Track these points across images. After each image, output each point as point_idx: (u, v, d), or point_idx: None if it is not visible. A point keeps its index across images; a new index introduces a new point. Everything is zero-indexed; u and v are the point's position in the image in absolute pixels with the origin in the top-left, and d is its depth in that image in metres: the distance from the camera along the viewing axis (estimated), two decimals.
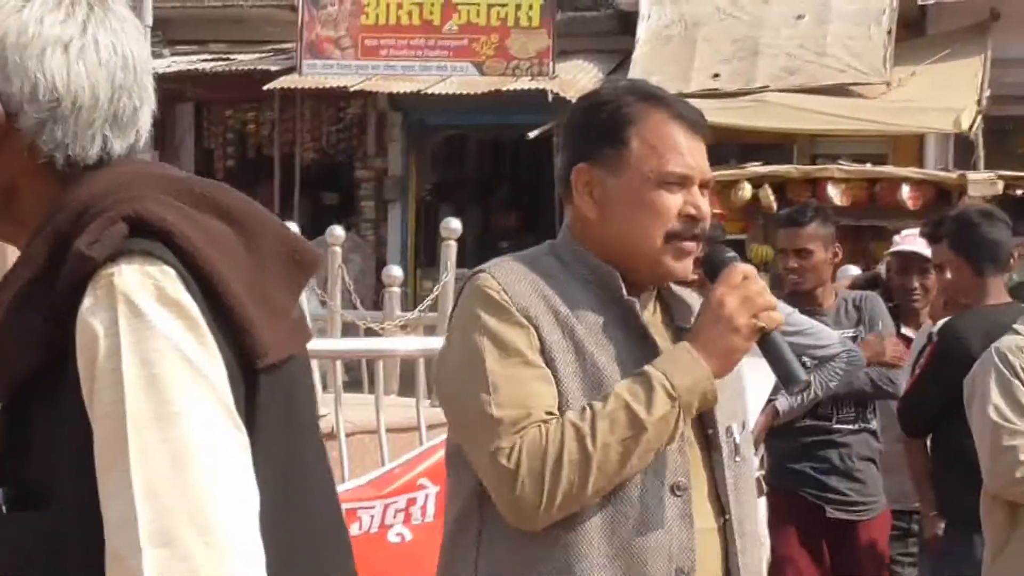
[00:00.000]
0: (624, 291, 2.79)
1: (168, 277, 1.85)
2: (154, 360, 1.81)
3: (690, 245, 2.80)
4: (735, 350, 2.70)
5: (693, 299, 2.94)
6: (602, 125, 2.86)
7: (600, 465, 2.64)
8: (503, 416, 2.68)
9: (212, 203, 1.95)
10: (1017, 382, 4.59)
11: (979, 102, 16.08)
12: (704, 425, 2.81)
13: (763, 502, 5.88)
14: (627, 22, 18.34)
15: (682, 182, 2.80)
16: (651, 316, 2.86)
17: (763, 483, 5.91)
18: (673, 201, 2.80)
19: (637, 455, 2.65)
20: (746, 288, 2.71)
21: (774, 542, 6.06)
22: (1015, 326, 4.78)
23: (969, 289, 5.76)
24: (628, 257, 2.81)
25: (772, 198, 12.40)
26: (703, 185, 2.84)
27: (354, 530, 5.41)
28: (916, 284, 6.97)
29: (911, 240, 7.05)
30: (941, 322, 5.95)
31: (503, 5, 18.13)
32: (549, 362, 2.72)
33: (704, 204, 2.81)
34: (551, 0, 18.10)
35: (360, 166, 20.02)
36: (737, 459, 2.83)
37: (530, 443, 2.66)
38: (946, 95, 16.10)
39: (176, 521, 1.78)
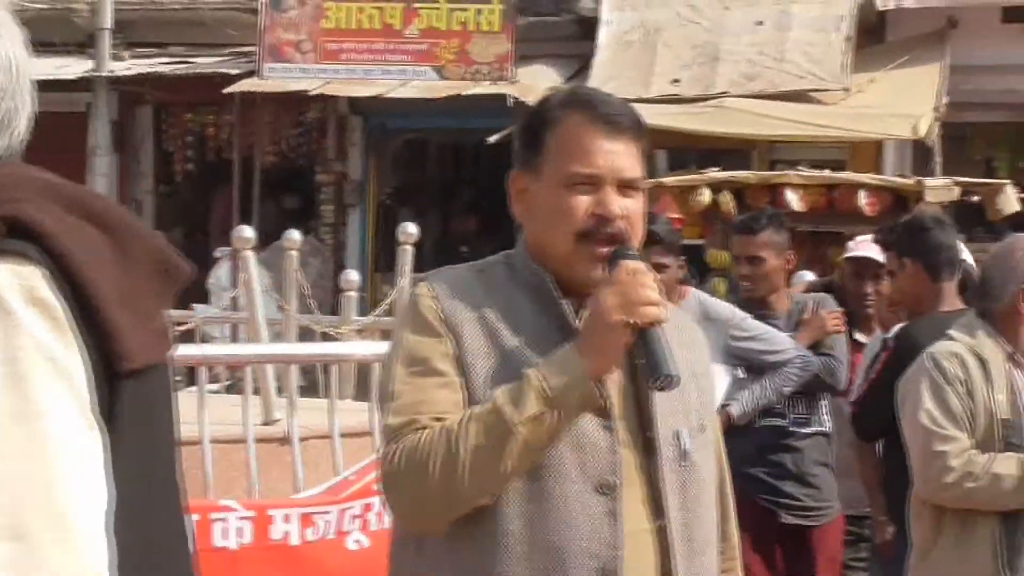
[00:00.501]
0: (556, 294, 2.80)
1: (38, 278, 1.88)
2: (19, 358, 1.83)
3: (603, 246, 2.79)
4: (609, 347, 2.68)
5: None
6: (529, 131, 2.90)
7: (471, 467, 2.65)
8: (393, 423, 2.76)
9: (86, 209, 1.99)
10: (949, 388, 4.62)
11: (937, 109, 16.16)
12: (645, 428, 2.81)
13: None
14: (588, 27, 18.36)
15: (591, 182, 2.80)
16: None
17: None
18: (582, 202, 2.80)
19: (512, 455, 2.65)
20: (624, 285, 2.69)
21: None
22: (950, 332, 4.81)
23: (925, 295, 5.80)
24: (552, 260, 2.83)
25: (732, 203, 12.42)
26: (624, 185, 2.82)
27: (310, 535, 5.39)
28: (870, 290, 7.00)
29: (865, 246, 7.08)
30: (896, 328, 5.98)
31: (464, 10, 18.12)
32: (467, 369, 2.75)
33: (614, 204, 2.80)
34: (512, 5, 18.10)
35: (320, 170, 19.98)
36: (685, 464, 2.82)
37: (408, 448, 2.71)
38: (904, 102, 16.17)
39: (30, 517, 1.79)
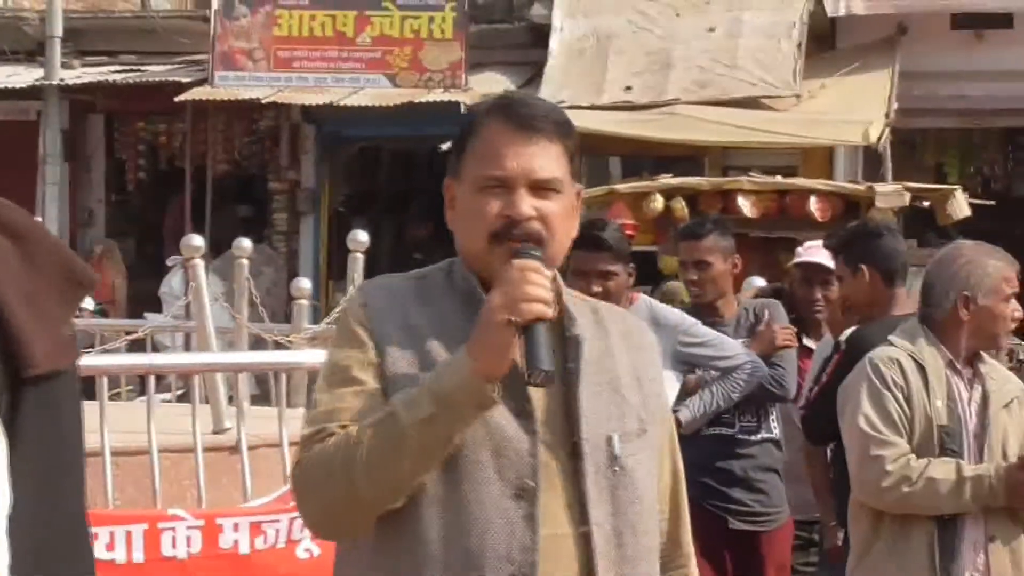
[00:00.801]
0: (483, 296, 2.78)
1: None
2: None
3: (515, 247, 2.77)
4: (492, 347, 2.64)
5: (583, 307, 2.94)
6: (458, 139, 2.92)
7: (368, 471, 2.66)
8: (305, 432, 2.77)
9: None
10: (888, 394, 4.65)
11: (887, 115, 16.26)
12: (572, 431, 2.79)
13: None
14: (540, 35, 18.39)
15: (501, 184, 2.80)
16: None
17: None
18: (492, 204, 2.79)
19: (409, 458, 2.65)
20: (510, 283, 2.67)
21: None
22: (890, 337, 4.84)
23: (879, 300, 5.86)
24: (474, 263, 2.85)
25: (685, 210, 12.46)
26: (537, 187, 2.81)
27: (259, 544, 5.38)
28: (819, 295, 7.04)
29: (814, 251, 7.12)
30: (848, 331, 6.02)
31: (416, 17, 18.12)
32: (389, 377, 2.75)
33: (523, 205, 2.78)
34: (464, 13, 18.11)
35: (273, 178, 19.92)
36: (616, 469, 2.79)
37: (314, 457, 2.72)
38: (855, 108, 16.27)
39: None
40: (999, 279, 4.76)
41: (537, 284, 2.66)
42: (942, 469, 4.57)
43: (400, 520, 2.72)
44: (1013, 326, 4.80)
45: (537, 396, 2.77)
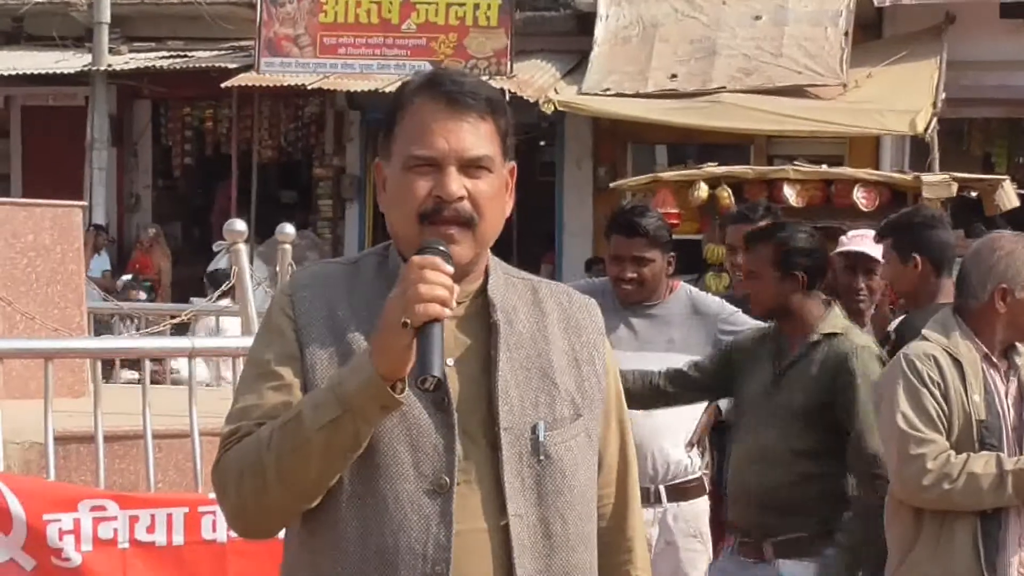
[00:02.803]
0: None
1: None
2: None
3: (446, 227, 2.69)
4: (389, 348, 2.55)
5: (520, 287, 2.85)
6: (385, 118, 2.82)
7: (278, 472, 2.60)
8: (223, 432, 2.70)
9: None
10: (925, 391, 4.59)
11: (934, 104, 16.18)
12: (494, 422, 2.72)
13: (705, 501, 5.89)
14: (585, 22, 18.37)
15: (431, 164, 2.70)
16: (460, 308, 2.72)
17: (705, 482, 5.92)
18: (421, 184, 2.70)
19: (316, 460, 2.59)
20: (406, 282, 2.58)
21: (716, 539, 6.05)
22: (924, 331, 4.79)
23: (928, 290, 5.84)
24: (403, 245, 2.75)
25: (730, 199, 12.41)
26: (468, 165, 2.71)
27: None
28: (862, 284, 6.98)
29: (859, 241, 7.07)
30: (897, 320, 5.99)
31: (461, 4, 18.14)
32: (308, 368, 2.69)
33: (452, 185, 2.69)
34: (509, 0, 18.10)
35: (318, 165, 20.00)
36: (541, 458, 2.71)
37: (229, 457, 2.67)
38: (902, 97, 16.19)
39: None
40: (1018, 277, 4.70)
41: (433, 282, 2.56)
42: (982, 464, 4.52)
43: (320, 516, 2.68)
44: None
45: (458, 386, 2.70)
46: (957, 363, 4.62)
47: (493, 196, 2.75)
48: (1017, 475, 4.51)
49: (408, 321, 2.54)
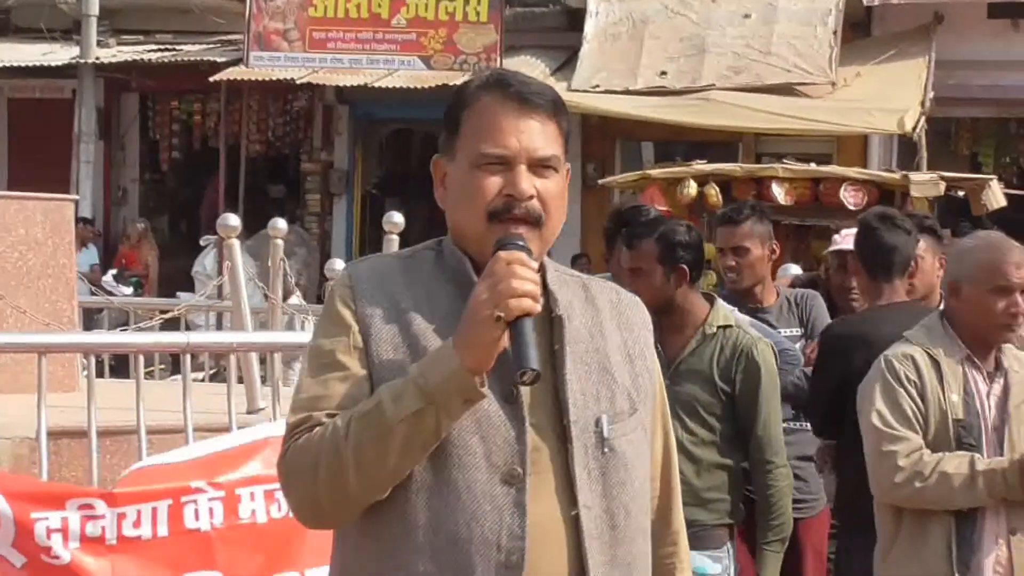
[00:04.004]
0: (473, 277, 2.74)
1: None
2: None
3: (515, 226, 2.72)
4: (479, 342, 2.60)
5: (572, 284, 2.89)
6: (448, 116, 2.83)
7: (355, 464, 2.62)
8: (290, 421, 2.73)
9: None
10: (901, 390, 4.62)
11: (923, 103, 16.20)
12: (560, 414, 2.76)
13: None
14: (575, 18, 18.38)
15: (502, 162, 2.73)
16: None
17: None
18: (492, 182, 2.73)
19: (396, 452, 2.62)
20: (496, 277, 2.61)
21: None
22: (906, 333, 4.82)
23: (868, 292, 5.89)
24: (467, 242, 2.78)
25: (718, 196, 12.43)
26: (537, 164, 2.75)
27: (274, 512, 5.40)
28: (854, 283, 7.01)
29: (850, 239, 7.08)
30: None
31: (451, 0, 18.12)
32: (374, 360, 2.72)
33: (524, 183, 2.72)
34: None
35: (306, 159, 19.98)
36: (605, 451, 2.76)
37: (299, 446, 2.69)
38: (890, 96, 16.21)
39: None
40: (988, 269, 4.66)
41: (524, 278, 2.61)
42: (955, 463, 4.53)
43: (389, 506, 2.69)
44: (1012, 321, 4.67)
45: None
46: (936, 363, 4.64)
47: (558, 196, 2.79)
48: (988, 475, 4.51)
49: (501, 315, 2.58)
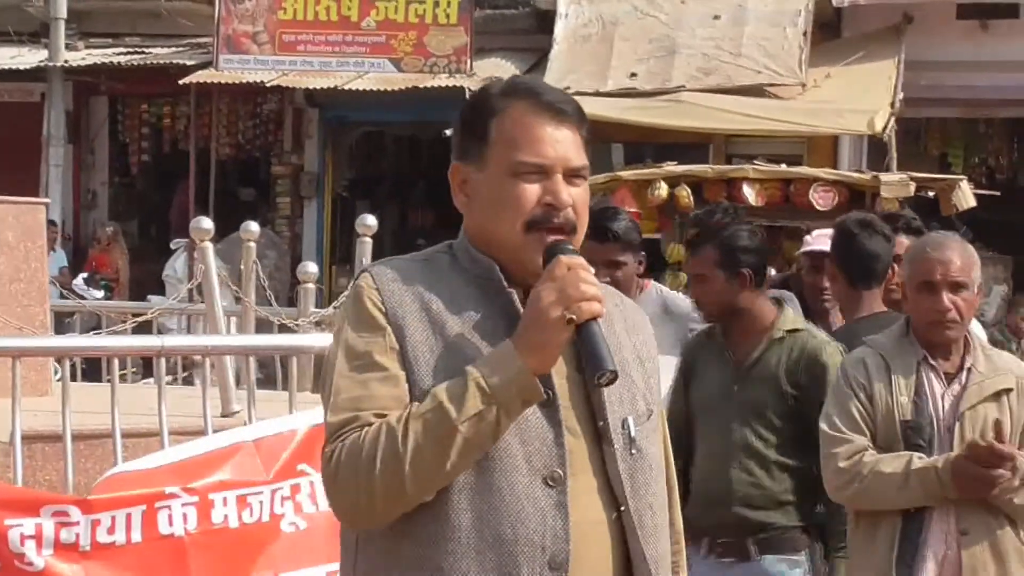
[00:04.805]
0: (503, 282, 2.79)
1: None
2: None
3: (552, 234, 2.77)
4: (547, 344, 2.66)
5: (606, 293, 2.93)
6: (471, 122, 2.86)
7: (414, 465, 2.64)
8: (333, 421, 2.73)
9: None
10: (850, 392, 4.66)
11: (893, 104, 16.26)
12: (595, 417, 2.80)
13: None
14: (545, 20, 18.39)
15: (540, 171, 2.78)
16: None
17: None
18: (531, 191, 2.78)
19: (456, 453, 2.64)
20: (563, 281, 2.67)
21: None
22: (865, 338, 4.86)
23: (846, 300, 5.92)
24: (499, 250, 2.81)
25: (689, 198, 12.45)
26: (571, 174, 2.81)
27: (247, 517, 5.39)
28: (826, 284, 7.02)
29: (822, 240, 7.08)
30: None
31: (421, 2, 18.12)
32: (411, 361, 2.73)
33: (564, 193, 2.78)
34: None
35: (276, 162, 19.95)
36: (633, 452, 2.81)
37: (349, 447, 2.69)
38: (860, 97, 16.26)
39: None
40: (915, 267, 4.70)
41: (590, 282, 2.69)
42: (894, 463, 4.54)
43: (427, 507, 2.70)
44: (939, 319, 4.66)
45: (559, 383, 2.77)
46: (887, 366, 4.66)
47: (587, 203, 2.85)
48: (923, 473, 4.51)
49: (573, 317, 2.65)
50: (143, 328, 9.70)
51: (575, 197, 2.80)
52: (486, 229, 2.83)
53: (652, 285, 6.20)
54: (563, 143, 2.80)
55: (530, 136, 2.79)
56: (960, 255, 4.67)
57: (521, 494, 2.70)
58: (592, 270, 2.72)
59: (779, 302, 5.47)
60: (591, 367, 2.68)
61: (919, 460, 4.53)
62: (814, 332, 5.38)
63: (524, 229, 2.77)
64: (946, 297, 4.60)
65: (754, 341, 5.32)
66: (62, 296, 13.19)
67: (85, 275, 17.89)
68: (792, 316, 5.41)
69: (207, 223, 7.86)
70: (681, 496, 3.17)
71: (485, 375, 2.66)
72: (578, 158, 2.82)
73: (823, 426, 4.70)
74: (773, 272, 8.86)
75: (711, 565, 5.27)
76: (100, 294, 17.08)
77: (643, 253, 5.96)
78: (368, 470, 2.66)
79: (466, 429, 2.63)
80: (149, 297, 15.00)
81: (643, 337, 2.98)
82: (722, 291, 5.34)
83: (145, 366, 10.98)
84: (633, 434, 2.82)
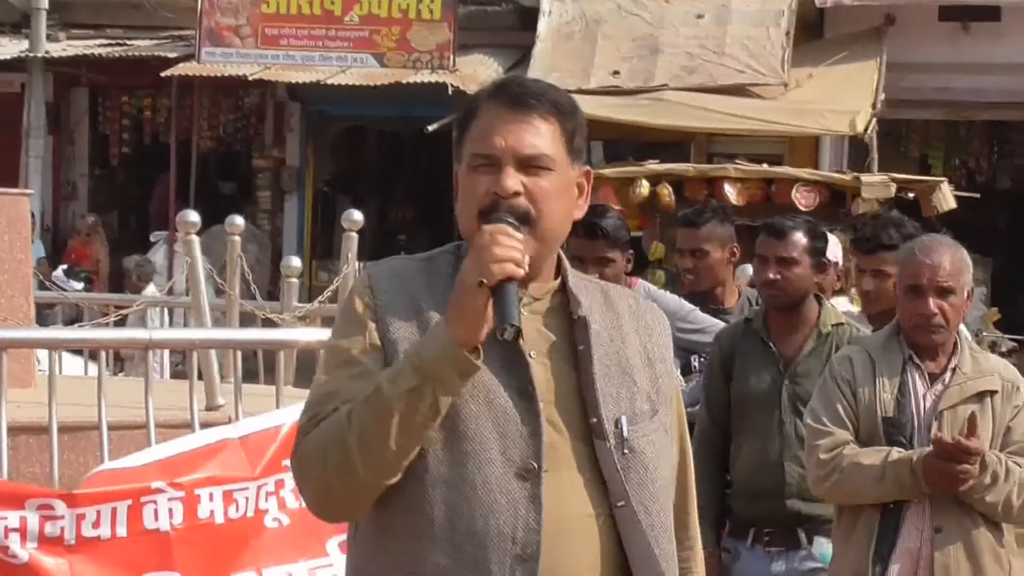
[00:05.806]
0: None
1: None
2: None
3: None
4: (465, 310, 2.67)
5: (591, 289, 2.94)
6: (459, 126, 2.91)
7: (360, 448, 2.68)
8: (302, 421, 2.81)
9: None
10: (835, 387, 4.74)
11: (874, 105, 16.31)
12: (587, 414, 2.81)
13: None
14: (528, 17, 18.38)
15: (490, 162, 2.80)
16: (541, 304, 2.86)
17: None
18: (481, 182, 2.80)
19: (396, 431, 2.67)
20: (479, 248, 2.69)
21: None
22: (855, 337, 4.97)
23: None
24: (469, 240, 2.82)
25: (671, 196, 12.48)
26: (525, 163, 2.80)
27: (232, 513, 5.40)
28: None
29: None
30: None
31: None
32: (391, 356, 2.77)
33: (508, 180, 2.78)
34: None
35: (257, 156, 19.92)
36: (625, 451, 2.81)
37: (310, 439, 2.76)
38: (842, 97, 16.31)
39: None
40: (904, 269, 4.77)
41: (505, 245, 2.68)
42: (872, 456, 4.61)
43: (405, 501, 2.74)
44: (923, 322, 4.69)
45: (546, 377, 2.79)
46: (873, 363, 4.71)
47: (553, 194, 2.82)
48: (898, 466, 4.57)
49: (484, 280, 2.65)
50: (124, 321, 9.68)
51: (531, 185, 2.79)
52: (460, 224, 2.87)
53: (639, 283, 6.22)
54: (516, 133, 2.80)
55: (485, 129, 2.82)
56: (950, 260, 4.71)
57: (494, 486, 2.72)
58: (519, 236, 2.71)
59: (818, 298, 5.55)
60: (496, 322, 2.67)
61: (897, 454, 4.59)
62: (856, 326, 5.51)
63: (478, 219, 2.78)
64: (932, 302, 4.65)
65: (803, 337, 5.41)
66: (42, 287, 13.14)
67: (65, 267, 17.83)
68: (835, 310, 5.52)
69: (194, 216, 7.85)
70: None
71: (418, 351, 2.70)
72: (533, 147, 2.81)
73: (808, 420, 4.79)
74: None
75: (758, 555, 5.35)
76: (80, 286, 17.01)
77: (631, 251, 5.98)
78: (322, 458, 2.72)
79: (402, 406, 2.67)
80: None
81: (656, 339, 2.97)
82: (806, 277, 5.47)
83: (115, 359, 10.92)
84: (626, 434, 2.81)
